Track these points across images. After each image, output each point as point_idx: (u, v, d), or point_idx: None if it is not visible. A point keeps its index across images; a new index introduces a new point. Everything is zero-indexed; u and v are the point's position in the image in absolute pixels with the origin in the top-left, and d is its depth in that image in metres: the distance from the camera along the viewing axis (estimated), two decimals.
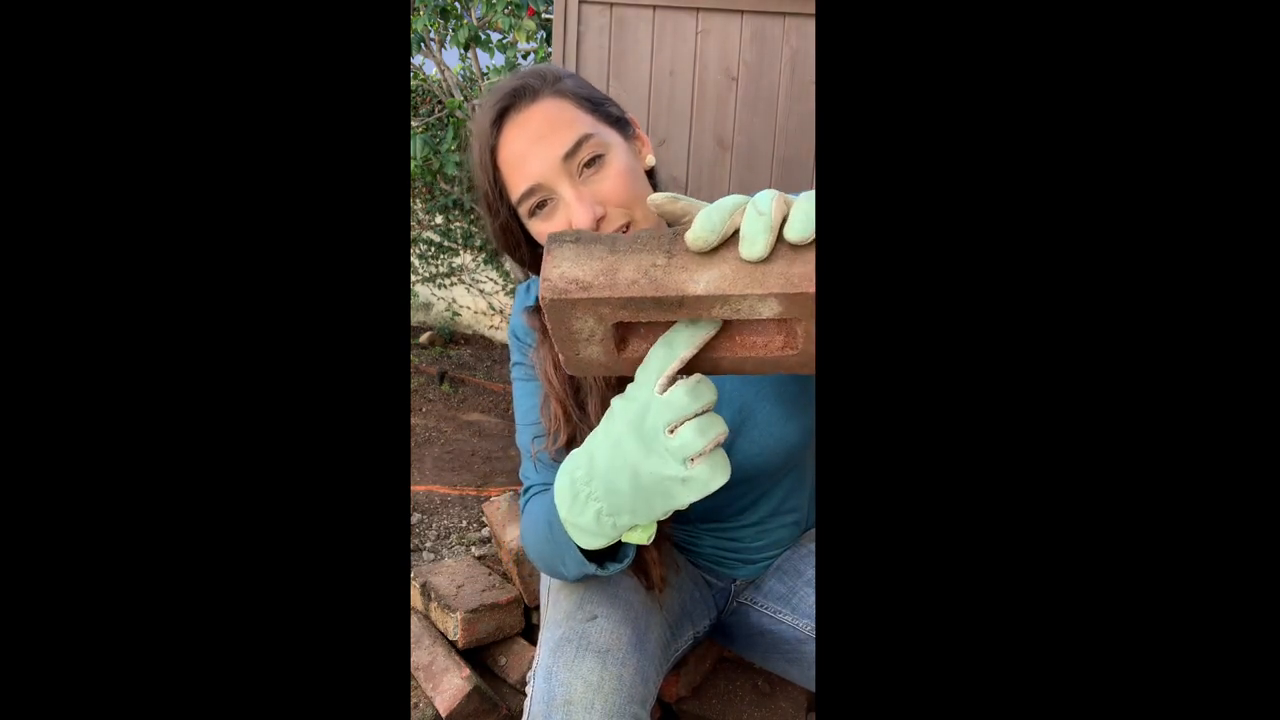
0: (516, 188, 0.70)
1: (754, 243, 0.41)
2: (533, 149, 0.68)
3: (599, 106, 0.72)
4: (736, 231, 0.43)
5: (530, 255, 0.79)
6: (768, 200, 0.41)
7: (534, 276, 0.87)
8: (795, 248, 0.42)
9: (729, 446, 0.80)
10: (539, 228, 0.72)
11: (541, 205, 0.70)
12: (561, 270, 0.43)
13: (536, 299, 0.83)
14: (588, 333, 0.46)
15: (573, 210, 0.68)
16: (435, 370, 3.31)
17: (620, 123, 0.74)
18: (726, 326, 0.48)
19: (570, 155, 0.68)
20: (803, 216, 0.41)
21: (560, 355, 0.48)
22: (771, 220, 0.41)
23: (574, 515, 0.58)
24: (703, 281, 0.42)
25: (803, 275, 0.41)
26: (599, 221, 0.68)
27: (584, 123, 0.69)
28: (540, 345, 0.78)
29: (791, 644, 0.88)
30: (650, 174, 0.78)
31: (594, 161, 0.68)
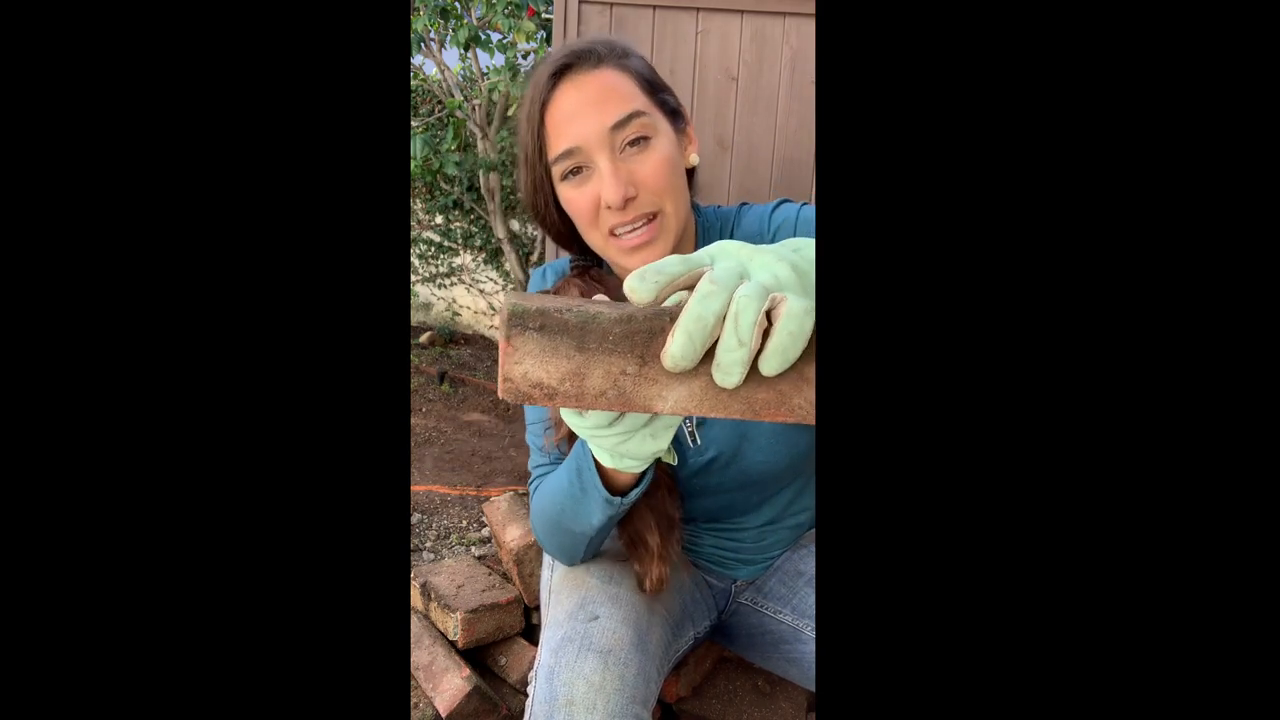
0: (556, 146, 0.69)
1: (729, 374, 0.38)
2: (583, 111, 0.68)
3: (657, 92, 0.72)
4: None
5: (558, 220, 0.77)
6: (749, 326, 0.37)
7: (549, 263, 0.87)
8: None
9: (735, 454, 0.80)
10: (568, 193, 0.71)
11: (576, 171, 0.69)
12: (524, 370, 0.39)
13: (553, 288, 0.83)
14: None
15: (605, 183, 0.67)
16: (435, 370, 3.31)
17: (674, 114, 0.73)
18: None
19: (619, 127, 0.67)
20: (778, 352, 0.37)
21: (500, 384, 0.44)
22: (750, 352, 0.37)
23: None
24: (670, 400, 0.40)
25: (765, 401, 0.40)
26: (628, 201, 0.67)
27: (640, 101, 0.69)
28: None
29: (791, 644, 0.88)
30: (691, 173, 0.77)
31: (639, 142, 0.68)
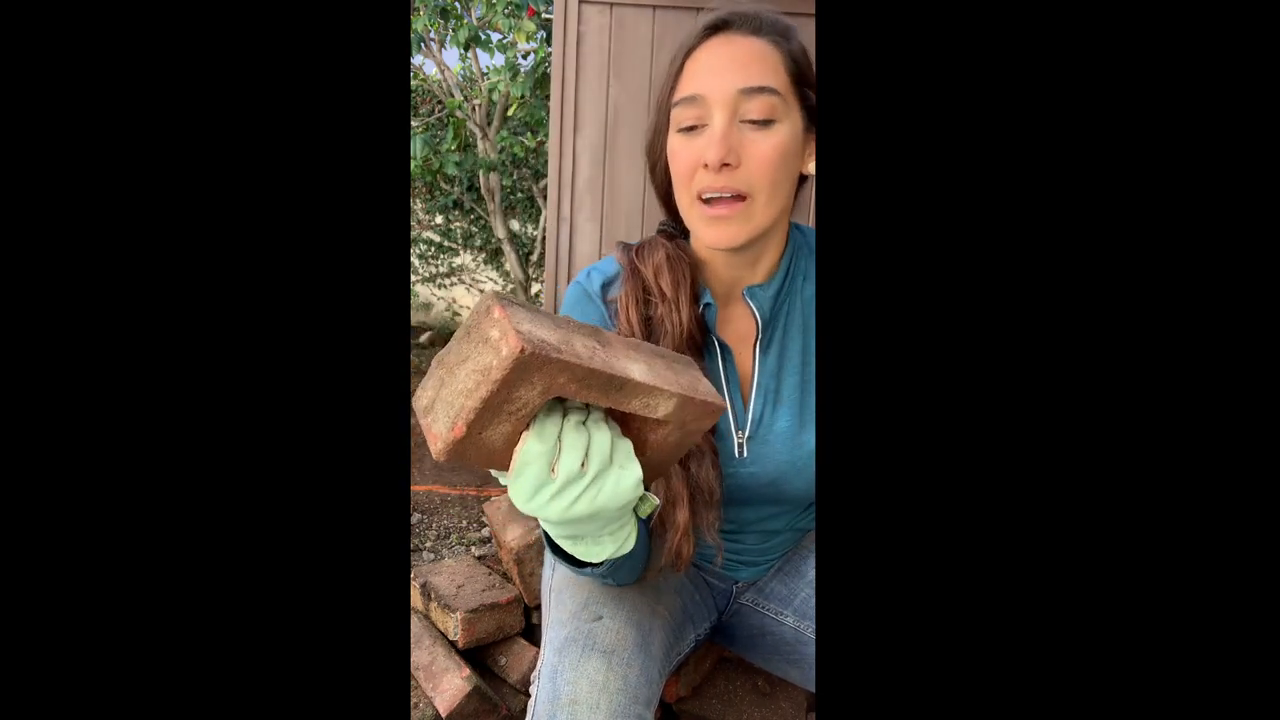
0: (683, 90, 0.69)
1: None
2: (722, 67, 0.67)
3: (805, 87, 0.71)
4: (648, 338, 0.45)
5: (664, 171, 0.74)
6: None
7: (594, 264, 0.81)
8: (674, 364, 0.51)
9: (778, 478, 0.78)
10: (676, 144, 0.70)
11: (693, 128, 0.68)
12: (529, 329, 0.41)
13: (638, 244, 0.78)
14: (517, 407, 0.44)
15: (711, 141, 0.66)
16: None
17: (812, 114, 0.72)
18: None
19: (748, 94, 0.66)
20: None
21: (440, 438, 0.44)
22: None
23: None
24: (635, 371, 0.47)
25: (687, 384, 0.50)
26: (724, 167, 0.66)
27: (780, 82, 0.68)
28: (627, 303, 0.74)
29: (792, 645, 0.88)
30: (804, 180, 0.76)
31: (763, 124, 0.67)
